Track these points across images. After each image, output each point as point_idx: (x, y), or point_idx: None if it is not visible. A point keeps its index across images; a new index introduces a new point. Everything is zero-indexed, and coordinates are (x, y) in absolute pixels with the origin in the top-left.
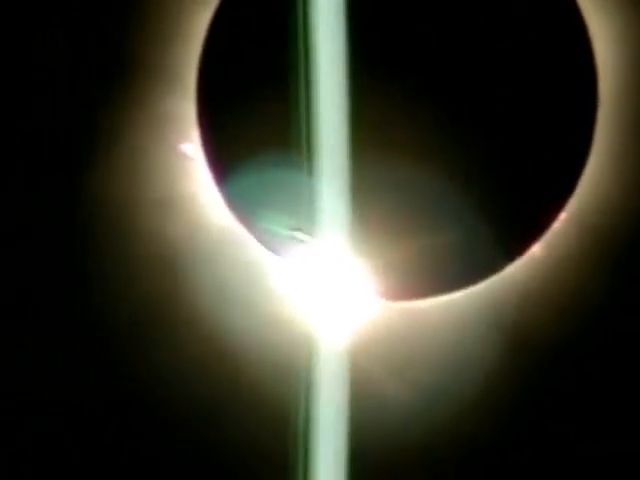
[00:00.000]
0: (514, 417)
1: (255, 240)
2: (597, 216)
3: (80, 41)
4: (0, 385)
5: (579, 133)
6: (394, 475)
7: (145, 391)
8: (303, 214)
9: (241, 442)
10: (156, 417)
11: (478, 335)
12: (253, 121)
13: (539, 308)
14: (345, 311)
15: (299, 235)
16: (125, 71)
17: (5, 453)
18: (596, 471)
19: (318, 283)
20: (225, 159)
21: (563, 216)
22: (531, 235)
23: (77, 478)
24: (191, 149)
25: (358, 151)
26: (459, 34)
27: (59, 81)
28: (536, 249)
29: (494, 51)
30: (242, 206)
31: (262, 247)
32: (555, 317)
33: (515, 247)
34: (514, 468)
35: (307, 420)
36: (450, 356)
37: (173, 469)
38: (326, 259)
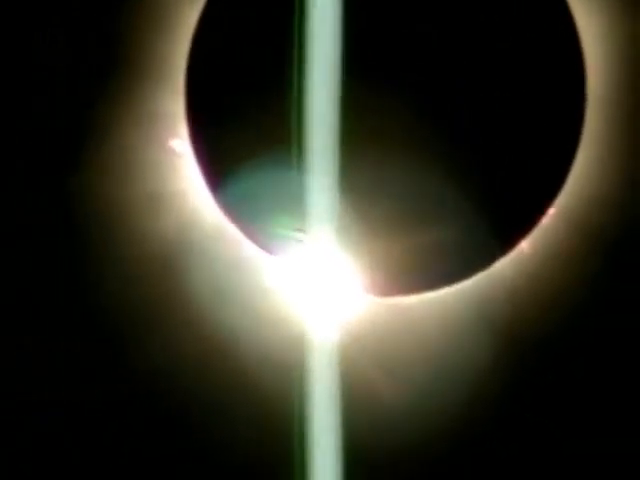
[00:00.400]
0: (502, 413)
1: (245, 237)
2: (585, 212)
3: (68, 40)
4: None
5: (568, 129)
6: (385, 468)
7: (139, 389)
8: (292, 211)
9: (235, 438)
10: (151, 415)
11: (467, 331)
12: (242, 118)
13: (527, 304)
14: (335, 307)
15: (289, 232)
16: (114, 68)
17: (4, 453)
18: (584, 466)
19: (308, 279)
20: (214, 156)
21: (551, 212)
22: (519, 231)
23: (77, 478)
24: (180, 146)
25: (347, 148)
26: (449, 32)
27: (47, 80)
28: (524, 245)
29: (484, 48)
30: (232, 204)
31: (252, 244)
32: (543, 313)
33: (503, 243)
34: (501, 463)
35: (299, 414)
36: (439, 352)
37: (171, 467)
38: (316, 256)
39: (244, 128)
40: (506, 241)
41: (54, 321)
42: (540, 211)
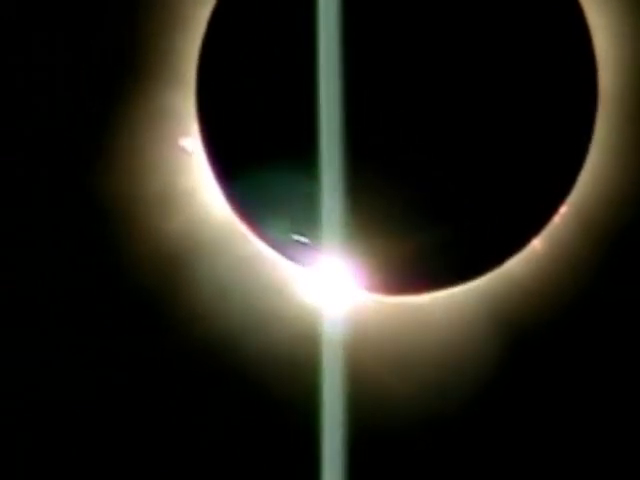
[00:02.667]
0: (510, 411)
1: (254, 236)
2: (597, 211)
3: (80, 38)
4: (1, 383)
5: (579, 127)
6: (392, 464)
7: (146, 386)
8: (301, 210)
9: (244, 435)
10: (157, 413)
11: (477, 330)
12: (252, 116)
13: (538, 303)
14: (344, 306)
15: (298, 231)
16: (125, 67)
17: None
18: (589, 464)
19: (317, 278)
20: (224, 154)
21: (563, 210)
22: (531, 230)
23: (80, 477)
24: (191, 144)
25: (355, 146)
26: (461, 28)
27: (59, 78)
28: (536, 243)
29: (496, 46)
30: (242, 202)
31: (261, 243)
32: (554, 312)
33: (515, 241)
34: (509, 459)
35: (308, 412)
36: (449, 351)
37: (177, 465)
38: (324, 254)
39: (254, 126)
40: (518, 239)
41: (62, 317)
42: (552, 210)
